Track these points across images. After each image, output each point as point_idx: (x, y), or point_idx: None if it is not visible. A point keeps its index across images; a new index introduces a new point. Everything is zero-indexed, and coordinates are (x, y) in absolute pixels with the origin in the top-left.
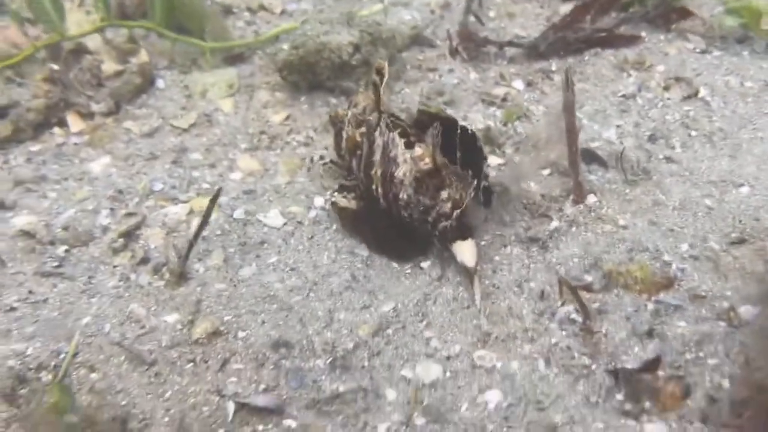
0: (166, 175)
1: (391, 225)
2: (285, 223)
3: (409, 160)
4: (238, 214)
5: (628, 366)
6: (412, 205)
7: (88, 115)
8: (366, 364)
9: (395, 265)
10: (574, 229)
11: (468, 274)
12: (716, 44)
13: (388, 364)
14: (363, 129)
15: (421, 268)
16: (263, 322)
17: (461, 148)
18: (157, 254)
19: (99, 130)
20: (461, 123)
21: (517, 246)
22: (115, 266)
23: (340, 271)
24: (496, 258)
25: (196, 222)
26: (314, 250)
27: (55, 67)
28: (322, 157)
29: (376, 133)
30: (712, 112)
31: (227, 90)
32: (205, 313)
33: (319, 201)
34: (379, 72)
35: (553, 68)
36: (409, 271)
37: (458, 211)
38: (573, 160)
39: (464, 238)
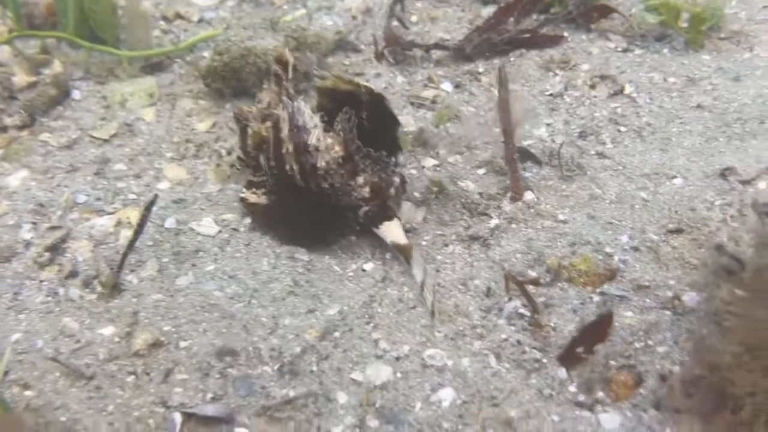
0: (89, 187)
1: (308, 210)
2: (219, 231)
3: (320, 124)
4: (170, 223)
5: None
6: (332, 172)
7: (2, 129)
8: (315, 368)
9: (337, 268)
10: (514, 225)
11: (404, 252)
12: (637, 43)
13: (337, 368)
14: (268, 123)
15: (364, 271)
16: (205, 331)
17: (371, 117)
18: (86, 267)
19: (13, 144)
20: (364, 84)
21: (458, 245)
22: (41, 281)
23: (281, 276)
24: (438, 257)
25: (124, 233)
26: (252, 256)
27: None
28: (229, 153)
29: (279, 109)
30: (639, 108)
31: (148, 99)
32: (143, 324)
33: None
34: (280, 62)
35: (480, 70)
36: (351, 274)
37: (381, 195)
38: (510, 157)
39: (389, 219)
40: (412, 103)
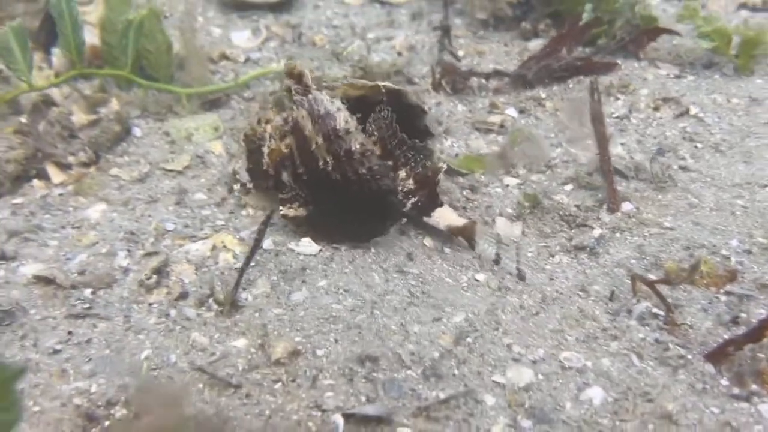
0: (173, 215)
1: (351, 204)
2: (321, 250)
3: (342, 107)
4: (267, 245)
5: None
6: (368, 153)
7: (66, 166)
8: (456, 372)
9: (449, 280)
10: (618, 234)
11: (465, 231)
12: (687, 70)
13: (477, 371)
14: (288, 140)
15: (477, 281)
16: (336, 341)
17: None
18: (194, 288)
19: (84, 179)
20: (383, 84)
21: (564, 255)
22: (150, 304)
23: (396, 288)
24: (547, 267)
25: (223, 256)
26: (360, 271)
27: (23, 119)
28: (243, 184)
29: (294, 110)
30: (709, 126)
31: (213, 133)
32: (274, 336)
33: None
34: (292, 75)
35: (543, 95)
36: (465, 284)
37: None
38: (607, 168)
39: (439, 206)
40: (478, 129)
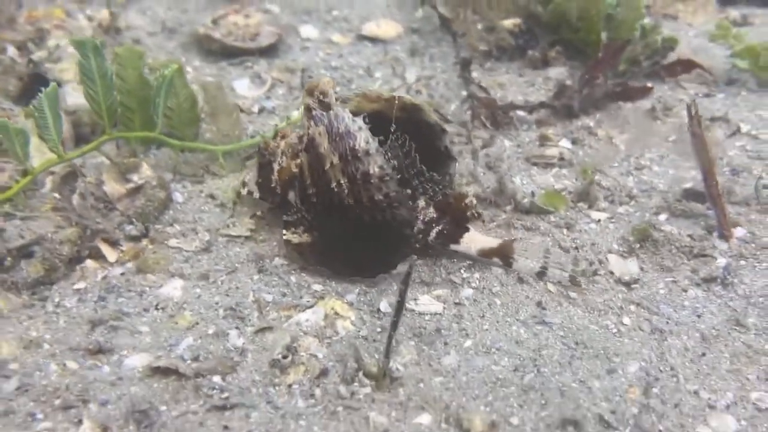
0: (262, 284)
1: (361, 234)
2: (444, 307)
3: (364, 126)
4: (384, 306)
5: None
6: (387, 178)
7: (114, 242)
8: (661, 427)
9: (595, 327)
10: (744, 262)
11: (503, 251)
12: (713, 88)
13: (680, 424)
14: (299, 160)
15: (626, 325)
16: (521, 406)
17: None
18: (330, 362)
19: (143, 255)
20: (400, 96)
21: (696, 288)
22: (290, 385)
23: (549, 342)
24: (686, 303)
25: (341, 324)
26: (499, 326)
27: (57, 195)
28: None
29: (310, 126)
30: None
31: None
32: (454, 408)
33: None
34: (312, 93)
35: (591, 124)
36: (615, 330)
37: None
38: (715, 193)
39: (465, 231)
40: (535, 164)
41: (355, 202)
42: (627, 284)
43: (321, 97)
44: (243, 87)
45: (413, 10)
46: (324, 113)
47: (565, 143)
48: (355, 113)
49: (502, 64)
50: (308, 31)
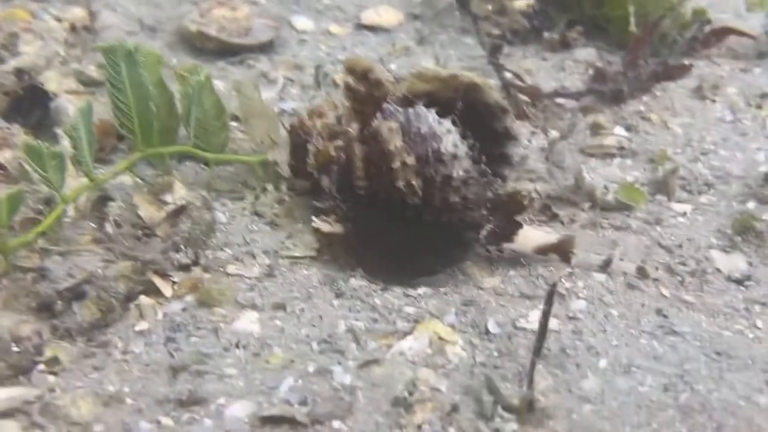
0: (346, 311)
1: (410, 232)
2: (559, 323)
3: (453, 129)
4: (492, 327)
5: None
6: (471, 182)
7: (165, 274)
8: None
9: (728, 333)
10: None
11: (562, 247)
12: (747, 62)
13: None
14: (338, 142)
15: (759, 328)
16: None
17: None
18: (457, 396)
19: (203, 285)
20: (462, 74)
21: None
22: (419, 425)
23: (689, 354)
24: None
25: (451, 351)
26: (628, 339)
27: (93, 224)
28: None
29: (377, 122)
30: None
31: None
32: None
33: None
34: (353, 71)
35: (642, 108)
36: (751, 335)
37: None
38: None
39: (519, 228)
40: (591, 155)
41: (424, 201)
42: (739, 282)
43: (362, 77)
44: None
45: None
46: (399, 108)
47: (620, 131)
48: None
49: (516, 48)
50: (302, 22)
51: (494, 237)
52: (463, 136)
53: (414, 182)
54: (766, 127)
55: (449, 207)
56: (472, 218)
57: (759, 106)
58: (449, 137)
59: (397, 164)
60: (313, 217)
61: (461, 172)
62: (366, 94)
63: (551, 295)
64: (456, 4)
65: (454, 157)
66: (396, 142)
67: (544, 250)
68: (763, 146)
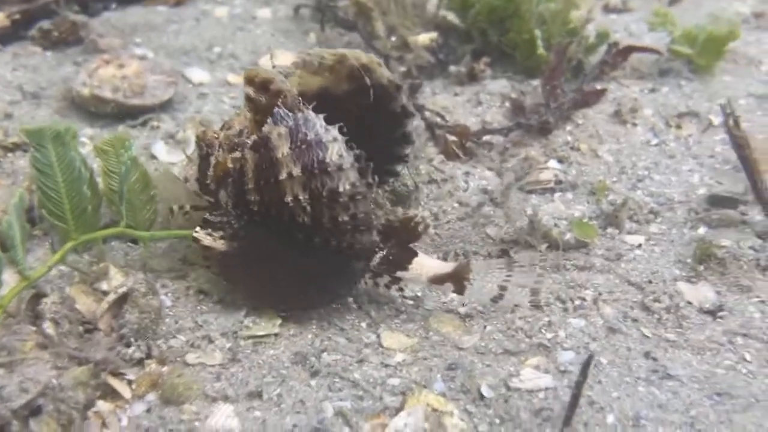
0: (327, 390)
1: (300, 257)
2: (554, 379)
3: (340, 138)
4: (486, 391)
5: None
6: (358, 197)
7: (117, 373)
8: None
9: (721, 371)
10: None
11: (457, 275)
12: (651, 82)
13: None
14: (237, 153)
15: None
16: None
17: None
18: None
19: (162, 382)
20: (367, 63)
21: None
22: None
23: (692, 399)
24: None
25: (450, 422)
26: (626, 389)
27: (31, 326)
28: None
29: (267, 127)
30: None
31: None
32: None
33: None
34: (252, 82)
35: (569, 138)
36: (744, 370)
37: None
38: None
39: (414, 255)
40: (531, 191)
41: (311, 220)
42: (712, 313)
43: (261, 88)
44: (162, 151)
45: (303, 36)
46: (289, 113)
47: (554, 164)
48: (301, 94)
49: (424, 85)
50: (198, 74)
51: (387, 264)
52: (349, 146)
53: (301, 197)
54: (691, 147)
55: (338, 228)
56: (362, 243)
57: (678, 126)
58: (334, 146)
59: (283, 175)
60: (196, 229)
61: (347, 186)
62: (267, 105)
63: (587, 366)
64: (364, 43)
65: (340, 168)
66: (284, 149)
67: (439, 280)
68: (693, 168)
